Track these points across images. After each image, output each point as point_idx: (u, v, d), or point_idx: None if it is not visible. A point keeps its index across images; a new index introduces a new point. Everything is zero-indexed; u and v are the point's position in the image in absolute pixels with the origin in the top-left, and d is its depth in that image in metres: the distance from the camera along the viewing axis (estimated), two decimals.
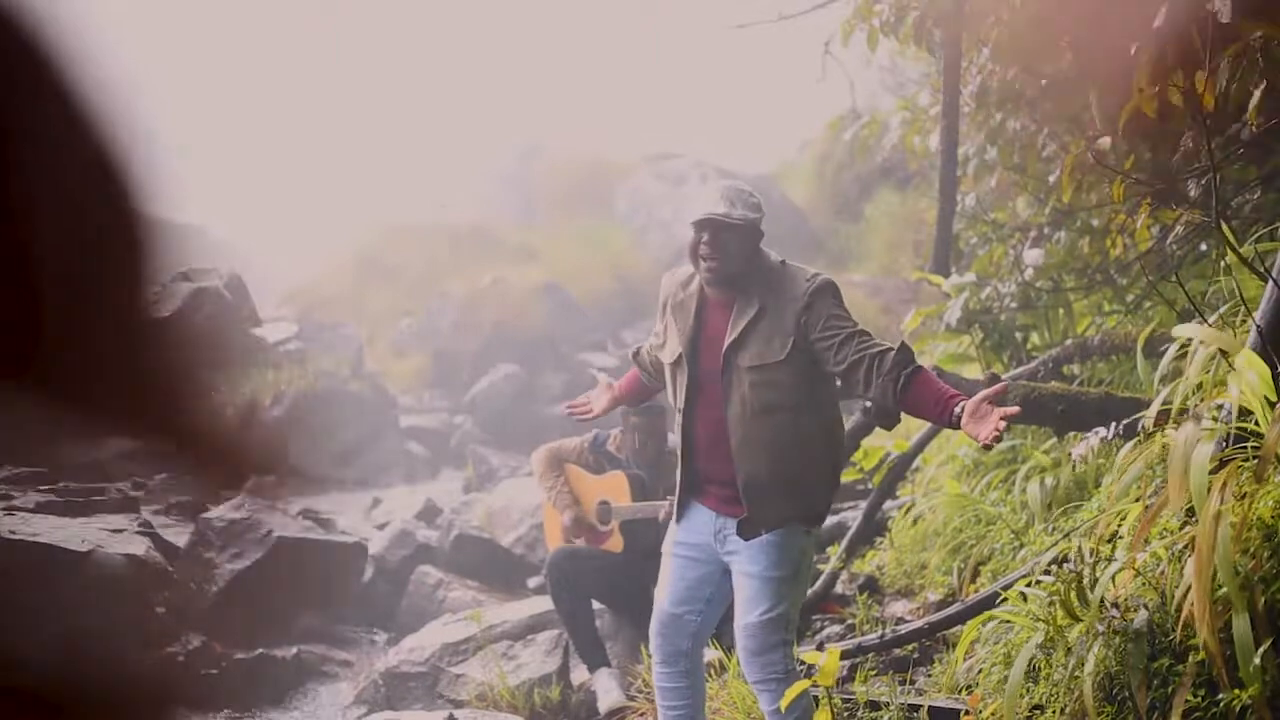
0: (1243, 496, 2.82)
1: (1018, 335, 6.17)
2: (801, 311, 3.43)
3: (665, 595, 3.75)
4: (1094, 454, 4.43)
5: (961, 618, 4.25)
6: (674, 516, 3.78)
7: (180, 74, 20.60)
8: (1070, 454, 4.48)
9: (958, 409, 3.14)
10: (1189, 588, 2.76)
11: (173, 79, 20.33)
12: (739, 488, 3.53)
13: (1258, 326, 3.31)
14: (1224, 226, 3.64)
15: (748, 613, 3.50)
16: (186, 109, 18.77)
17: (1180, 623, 2.88)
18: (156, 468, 10.46)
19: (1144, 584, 3.14)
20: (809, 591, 5.09)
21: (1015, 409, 3.10)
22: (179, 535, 7.40)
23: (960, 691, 3.99)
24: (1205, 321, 3.66)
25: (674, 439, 5.71)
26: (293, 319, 14.11)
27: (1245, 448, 2.95)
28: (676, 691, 3.77)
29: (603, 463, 5.73)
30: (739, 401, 3.50)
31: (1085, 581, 3.24)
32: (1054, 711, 3.23)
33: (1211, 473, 2.79)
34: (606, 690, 5.19)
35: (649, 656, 4.92)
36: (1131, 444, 3.81)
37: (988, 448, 3.07)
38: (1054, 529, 4.63)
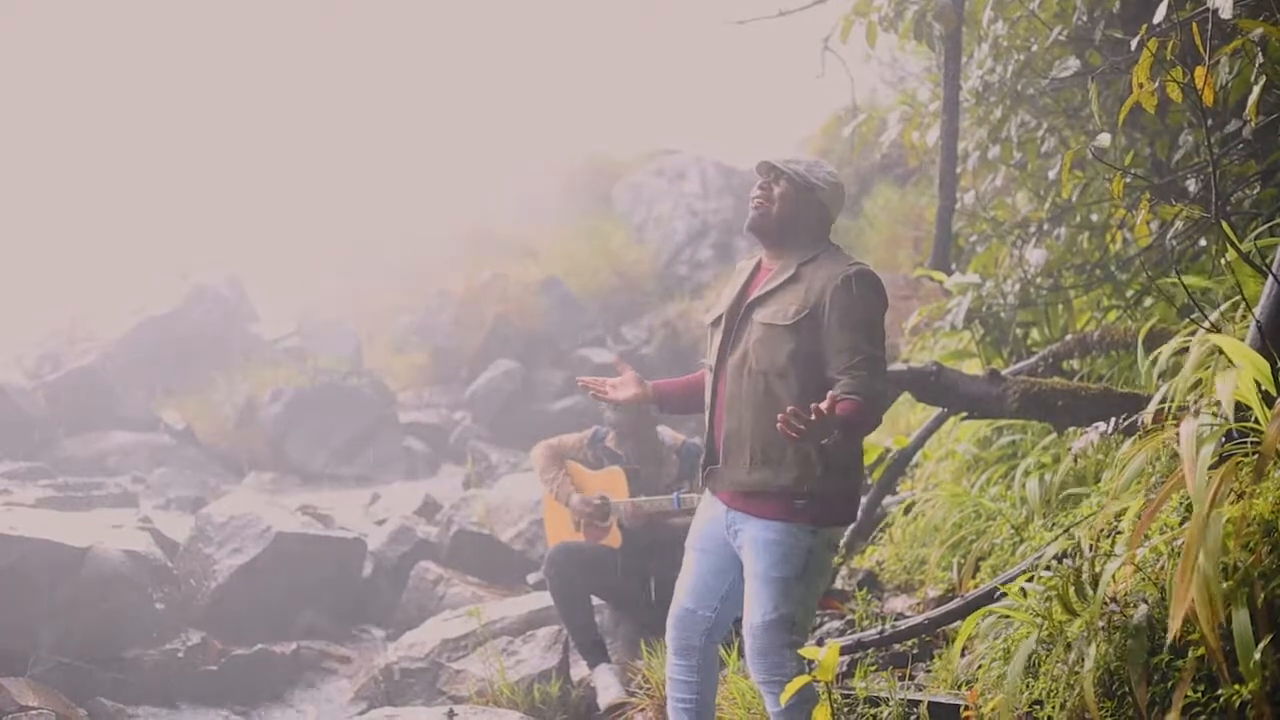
0: (1242, 495, 2.83)
1: (1018, 331, 6.17)
2: (828, 293, 3.47)
3: (683, 589, 3.79)
4: (1094, 448, 4.43)
5: (961, 613, 4.25)
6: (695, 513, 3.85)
7: (181, 72, 20.58)
8: (1070, 449, 4.48)
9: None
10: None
11: (174, 77, 20.31)
12: (721, 442, 3.60)
13: (1257, 322, 3.31)
14: (1223, 223, 3.64)
15: (752, 613, 3.51)
16: (186, 108, 18.76)
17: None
18: (156, 462, 10.48)
19: (1144, 579, 3.15)
20: None
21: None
22: (179, 530, 7.40)
23: (960, 687, 3.99)
24: (1205, 317, 3.66)
25: (666, 431, 5.75)
26: (292, 316, 14.12)
27: (1245, 444, 2.95)
28: (687, 685, 3.80)
29: (601, 458, 5.74)
30: (741, 355, 3.58)
31: (1084, 577, 3.24)
32: (1054, 707, 3.23)
33: (1212, 468, 2.79)
34: (606, 686, 5.19)
35: (648, 651, 4.94)
36: (1132, 440, 3.82)
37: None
38: (1054, 525, 4.63)
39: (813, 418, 3.12)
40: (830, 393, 3.24)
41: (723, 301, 3.76)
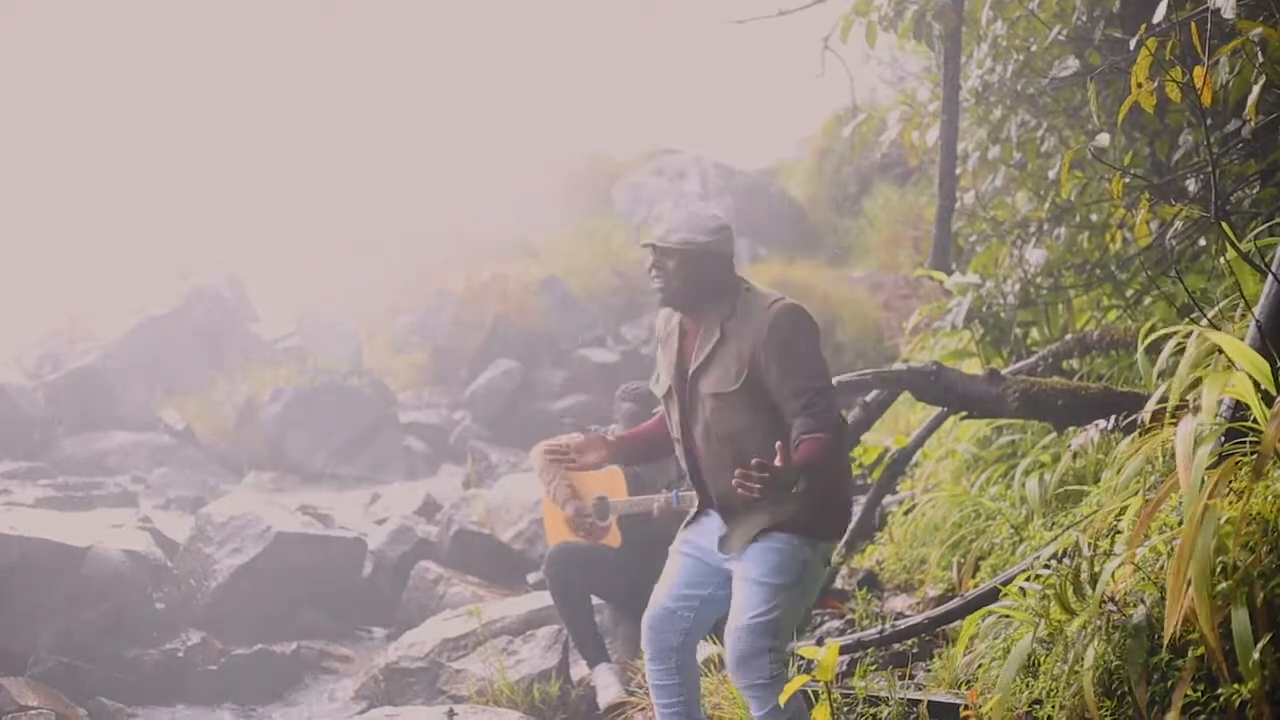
0: (1242, 492, 2.83)
1: (1018, 331, 6.17)
2: (759, 345, 3.52)
3: (663, 589, 3.79)
4: (1093, 446, 4.43)
5: (961, 613, 4.25)
6: (685, 519, 3.87)
7: (181, 72, 20.59)
8: (1070, 446, 4.48)
9: None
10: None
11: (174, 77, 20.32)
12: (718, 504, 3.66)
13: (1257, 322, 3.31)
14: (1223, 222, 3.64)
15: (738, 616, 3.52)
16: (186, 108, 18.76)
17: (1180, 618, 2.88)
18: (156, 462, 10.47)
19: (1143, 579, 3.15)
20: None
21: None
22: (179, 530, 7.41)
23: (960, 686, 3.99)
24: (1204, 316, 3.66)
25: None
26: (292, 316, 14.13)
27: (1244, 443, 2.95)
28: (668, 689, 3.79)
29: None
30: (704, 426, 3.64)
31: (1083, 576, 3.24)
32: (1053, 706, 3.23)
33: (1211, 468, 2.79)
34: (606, 685, 5.19)
35: None
36: (1130, 439, 3.82)
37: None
38: (1053, 524, 4.63)
39: (765, 474, 3.19)
40: (778, 444, 3.29)
41: (664, 373, 3.79)
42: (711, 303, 3.65)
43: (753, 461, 3.21)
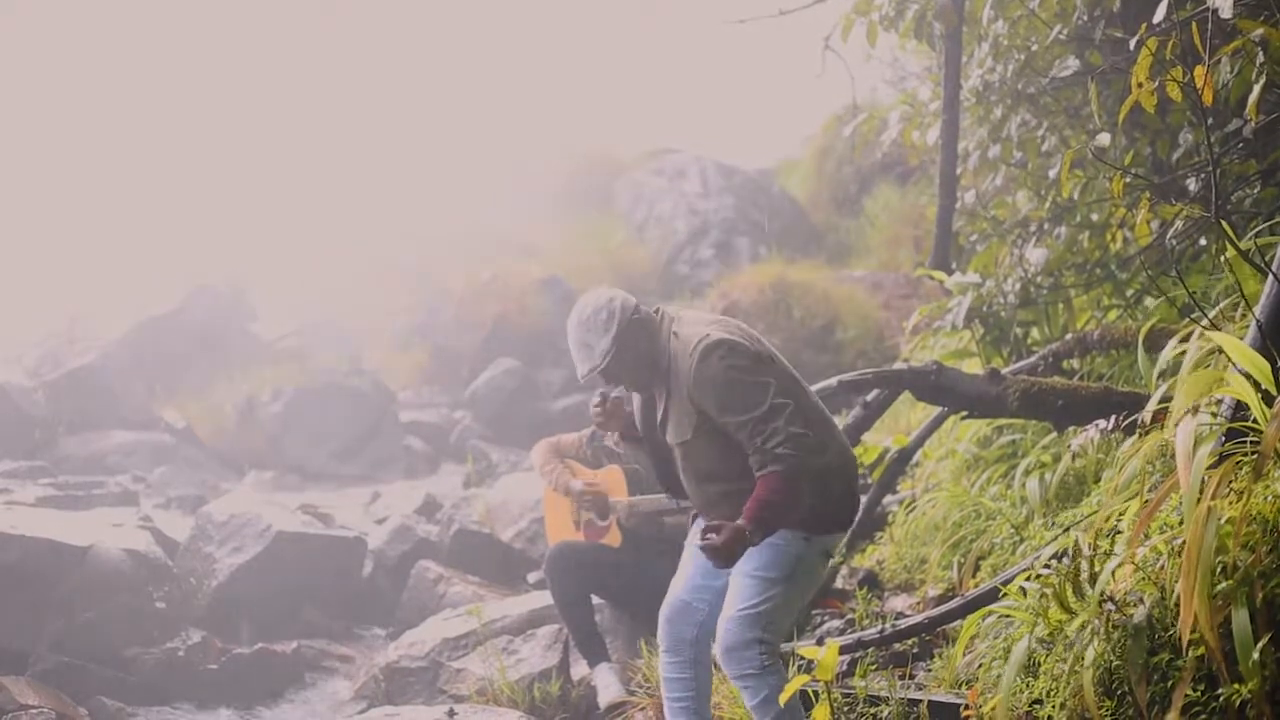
0: (1242, 492, 2.83)
1: (1018, 330, 6.16)
2: (695, 394, 3.59)
3: (679, 582, 3.89)
4: (1093, 446, 4.43)
5: (961, 612, 4.25)
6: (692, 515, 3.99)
7: (180, 72, 20.59)
8: (1070, 446, 4.48)
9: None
10: None
11: (173, 77, 20.31)
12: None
13: (1257, 322, 3.31)
14: (1223, 222, 3.64)
15: (729, 607, 3.59)
16: (186, 108, 18.76)
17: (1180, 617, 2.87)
18: (157, 461, 10.47)
19: (1143, 579, 3.15)
20: None
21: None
22: (179, 529, 7.41)
23: (960, 686, 3.99)
24: (1205, 316, 3.66)
25: None
26: (292, 316, 14.13)
27: (1245, 443, 2.95)
28: (681, 682, 3.83)
29: (600, 457, 5.74)
30: (683, 469, 3.77)
31: (1083, 576, 3.24)
32: (1053, 706, 3.23)
33: (1212, 468, 2.79)
34: (606, 685, 5.19)
35: (648, 650, 4.94)
36: (1131, 439, 3.82)
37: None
38: (1054, 524, 4.63)
39: (712, 556, 3.39)
40: (713, 525, 3.44)
41: (639, 422, 3.92)
42: (649, 368, 3.75)
43: (699, 544, 3.42)
